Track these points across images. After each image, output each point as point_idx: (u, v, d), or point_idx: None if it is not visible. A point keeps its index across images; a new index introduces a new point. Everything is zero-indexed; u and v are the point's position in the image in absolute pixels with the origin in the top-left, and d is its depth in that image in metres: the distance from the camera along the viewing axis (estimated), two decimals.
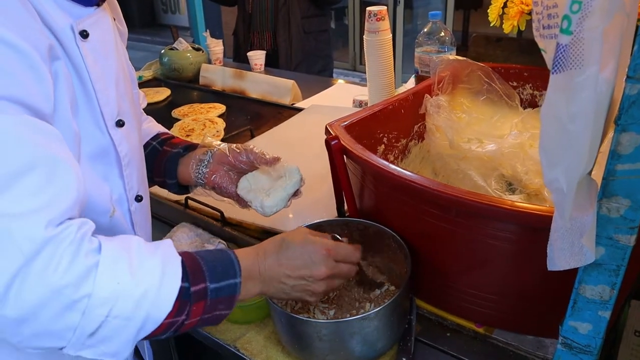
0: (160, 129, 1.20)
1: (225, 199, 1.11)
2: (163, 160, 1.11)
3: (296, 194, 1.05)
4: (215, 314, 0.77)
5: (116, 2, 0.98)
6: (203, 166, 1.07)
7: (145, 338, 0.72)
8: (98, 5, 0.84)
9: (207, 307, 0.75)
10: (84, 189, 0.70)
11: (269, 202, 1.01)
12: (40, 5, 0.74)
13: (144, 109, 1.22)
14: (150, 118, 1.22)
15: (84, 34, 0.80)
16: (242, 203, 1.07)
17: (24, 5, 0.70)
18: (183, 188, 1.14)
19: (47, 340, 0.64)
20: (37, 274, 0.60)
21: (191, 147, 1.12)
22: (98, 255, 0.66)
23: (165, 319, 0.70)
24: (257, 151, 1.06)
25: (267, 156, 1.05)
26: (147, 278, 0.68)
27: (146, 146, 1.13)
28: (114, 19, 0.94)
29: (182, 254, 0.76)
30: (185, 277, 0.73)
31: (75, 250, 0.63)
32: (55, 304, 0.62)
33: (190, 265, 0.75)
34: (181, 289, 0.71)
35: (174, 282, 0.71)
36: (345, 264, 0.89)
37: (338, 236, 0.93)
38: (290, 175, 1.04)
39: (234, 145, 1.09)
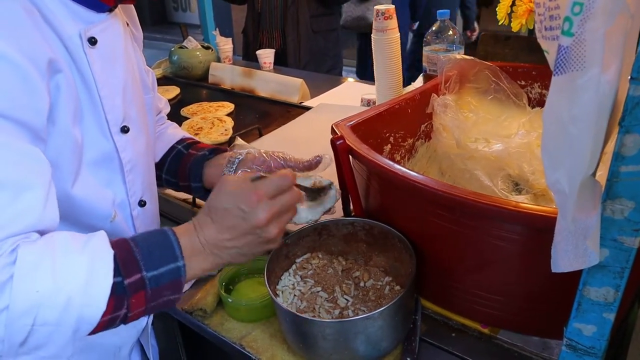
0: (185, 134, 1.18)
1: None
2: (188, 163, 1.09)
3: (330, 209, 0.99)
4: (163, 300, 0.75)
5: (132, 6, 0.98)
6: (234, 169, 1.04)
7: (91, 334, 0.70)
8: (110, 11, 0.85)
9: (150, 297, 0.73)
10: (50, 216, 0.69)
11: (304, 213, 0.94)
12: (50, 13, 0.75)
13: (167, 115, 1.22)
14: (174, 124, 1.22)
15: (92, 41, 0.80)
16: None
17: (29, 14, 0.70)
18: (208, 192, 1.11)
19: None
20: None
21: (218, 150, 1.10)
22: (12, 268, 0.63)
23: (102, 317, 0.68)
24: (294, 157, 1.03)
25: (305, 161, 1.02)
26: (71, 280, 0.66)
27: (171, 150, 1.13)
28: (127, 24, 0.94)
29: (115, 243, 0.73)
30: (117, 271, 0.70)
31: None
32: None
33: (123, 256, 0.71)
34: (113, 285, 0.68)
35: (103, 279, 0.68)
36: (284, 194, 0.82)
37: (259, 173, 0.85)
38: (328, 191, 0.99)
39: (270, 151, 1.05)
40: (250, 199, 0.78)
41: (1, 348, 0.64)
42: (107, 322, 0.70)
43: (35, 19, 0.71)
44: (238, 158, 1.05)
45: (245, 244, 0.80)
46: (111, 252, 0.71)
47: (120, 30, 0.88)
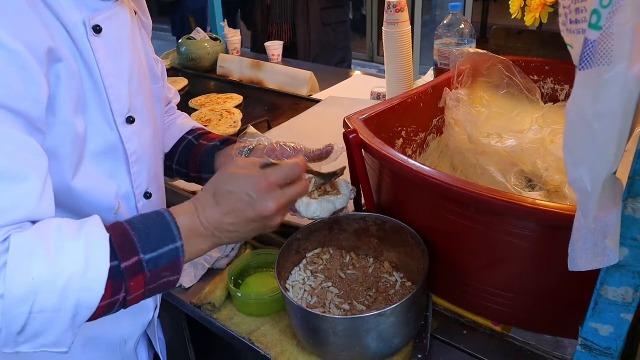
0: (196, 124, 1.17)
1: None
2: (199, 153, 1.08)
3: (342, 210, 0.98)
4: (163, 282, 0.74)
5: None
6: (243, 156, 1.02)
7: (90, 320, 0.69)
8: None
9: (149, 279, 0.71)
10: (46, 207, 0.68)
11: (314, 206, 0.93)
12: (54, 0, 0.73)
13: (176, 105, 1.21)
14: (185, 114, 1.20)
15: (97, 29, 0.79)
16: None
17: (29, 2, 0.69)
18: None
19: None
20: None
21: (229, 141, 1.09)
22: (5, 255, 0.62)
23: (101, 302, 0.67)
24: (305, 147, 1.01)
25: (316, 151, 1.00)
26: (68, 265, 0.65)
27: (181, 140, 1.12)
28: (136, 12, 0.93)
29: (111, 227, 0.71)
30: (114, 255, 0.68)
31: None
32: None
33: (119, 240, 0.70)
34: (111, 268, 0.67)
35: (101, 263, 0.67)
36: (294, 186, 0.81)
37: (270, 160, 0.82)
38: (341, 189, 0.98)
39: (280, 141, 1.04)
40: (260, 186, 0.77)
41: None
42: (106, 307, 0.69)
43: (36, 7, 0.70)
44: (249, 147, 1.04)
45: (249, 230, 0.79)
46: (107, 235, 0.69)
47: (127, 19, 0.86)
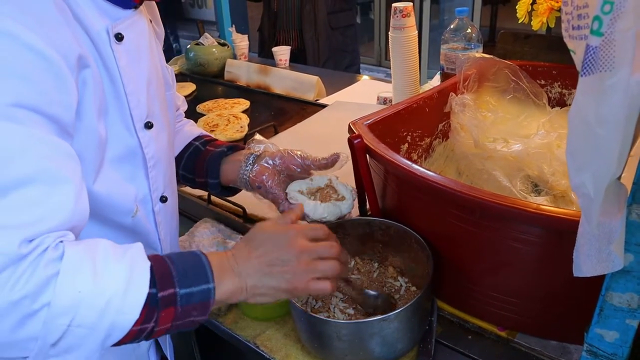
0: (202, 132, 1.19)
1: (257, 198, 1.08)
2: (206, 159, 1.09)
3: (345, 216, 1.00)
4: (189, 321, 0.74)
5: (154, 3, 0.99)
6: (251, 164, 1.04)
7: (115, 345, 0.69)
8: (136, 7, 0.85)
9: (179, 314, 0.72)
10: (82, 211, 0.69)
11: (321, 209, 0.97)
12: (79, 8, 0.75)
13: (183, 112, 1.23)
14: (191, 122, 1.22)
15: (119, 37, 0.81)
16: (282, 206, 1.03)
17: (59, 10, 0.70)
18: (225, 190, 1.12)
19: (9, 351, 0.63)
20: None
21: (236, 147, 1.11)
22: (59, 264, 0.63)
23: (133, 326, 0.68)
24: (311, 155, 1.03)
25: (323, 159, 1.02)
26: (111, 285, 0.66)
27: (187, 147, 1.14)
28: (151, 21, 0.95)
29: (151, 257, 0.73)
30: (153, 282, 0.70)
31: (36, 262, 0.61)
32: (14, 315, 0.60)
33: (159, 269, 0.72)
34: (148, 295, 0.68)
35: (140, 288, 0.68)
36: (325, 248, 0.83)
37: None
38: (344, 193, 1.01)
39: (287, 149, 1.06)
40: (290, 231, 0.81)
41: (33, 347, 0.63)
42: (135, 334, 0.70)
43: (65, 15, 0.71)
44: (255, 154, 1.05)
45: (272, 271, 0.79)
46: (148, 263, 0.71)
47: (145, 27, 0.88)
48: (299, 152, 1.04)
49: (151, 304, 0.69)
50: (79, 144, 0.74)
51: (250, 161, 1.04)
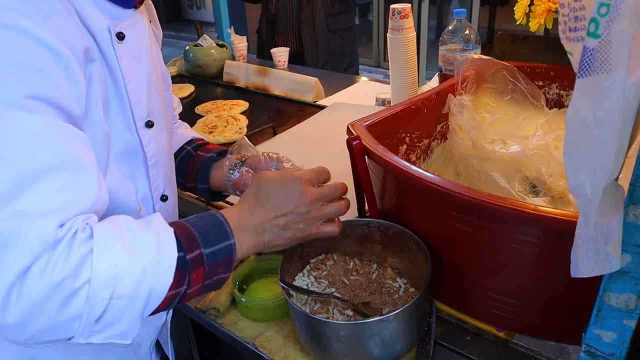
0: (195, 134, 1.20)
1: None
2: (196, 164, 1.11)
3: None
4: (216, 279, 0.78)
5: (152, 4, 0.99)
6: (236, 170, 1.07)
7: (152, 314, 0.72)
8: (136, 7, 0.86)
9: (207, 273, 0.76)
10: (103, 195, 0.71)
11: None
12: (80, 7, 0.76)
13: (178, 114, 1.23)
14: (185, 124, 1.23)
15: (120, 36, 0.82)
16: None
17: (64, 6, 0.71)
18: (214, 194, 1.14)
19: (55, 333, 0.65)
20: (38, 273, 0.61)
21: (225, 152, 1.13)
22: (91, 241, 0.65)
23: (168, 291, 0.70)
24: (286, 165, 1.05)
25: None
26: (144, 254, 0.68)
27: (180, 151, 1.15)
28: (150, 21, 0.95)
29: (172, 224, 0.76)
30: (179, 246, 0.73)
31: (69, 243, 0.63)
32: (58, 297, 0.62)
33: (182, 233, 0.75)
34: (178, 259, 0.71)
35: (170, 253, 0.71)
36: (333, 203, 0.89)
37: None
38: None
39: (270, 152, 1.08)
40: (298, 182, 0.85)
41: (77, 326, 0.65)
42: (171, 298, 0.72)
43: (70, 11, 0.72)
44: (240, 159, 1.08)
45: (287, 223, 0.84)
46: (171, 229, 0.74)
47: (145, 27, 0.89)
48: (274, 156, 1.07)
49: (182, 267, 0.72)
50: (88, 138, 0.75)
51: (234, 166, 1.07)
